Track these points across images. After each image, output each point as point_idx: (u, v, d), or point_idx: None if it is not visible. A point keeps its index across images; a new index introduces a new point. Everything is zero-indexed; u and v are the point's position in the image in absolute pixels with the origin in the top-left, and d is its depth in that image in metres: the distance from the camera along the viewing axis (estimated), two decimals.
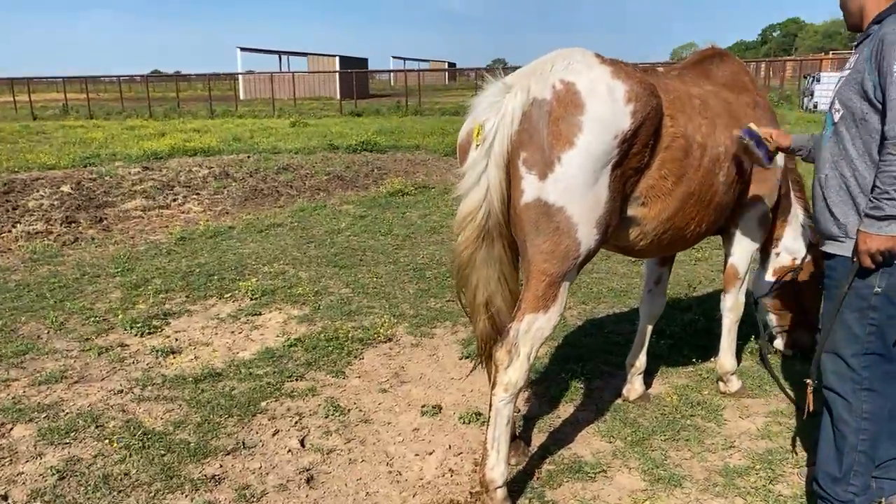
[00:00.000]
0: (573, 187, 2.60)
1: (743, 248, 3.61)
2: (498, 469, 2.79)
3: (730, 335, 3.79)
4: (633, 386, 3.83)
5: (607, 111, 2.63)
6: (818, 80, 21.82)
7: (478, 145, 2.69)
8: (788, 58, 48.07)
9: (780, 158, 3.47)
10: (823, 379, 2.70)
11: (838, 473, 2.67)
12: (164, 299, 5.44)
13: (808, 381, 2.76)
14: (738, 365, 4.00)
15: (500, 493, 2.81)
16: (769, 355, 4.13)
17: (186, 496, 2.98)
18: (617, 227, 2.89)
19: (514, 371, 2.71)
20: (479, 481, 2.85)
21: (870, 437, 2.61)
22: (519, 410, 3.67)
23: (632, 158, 2.74)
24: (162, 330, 4.84)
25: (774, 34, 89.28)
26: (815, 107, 21.21)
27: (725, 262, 3.71)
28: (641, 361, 3.81)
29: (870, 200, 2.41)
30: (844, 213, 2.55)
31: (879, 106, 2.42)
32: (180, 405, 3.76)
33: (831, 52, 42.77)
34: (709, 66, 3.55)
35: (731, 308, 3.74)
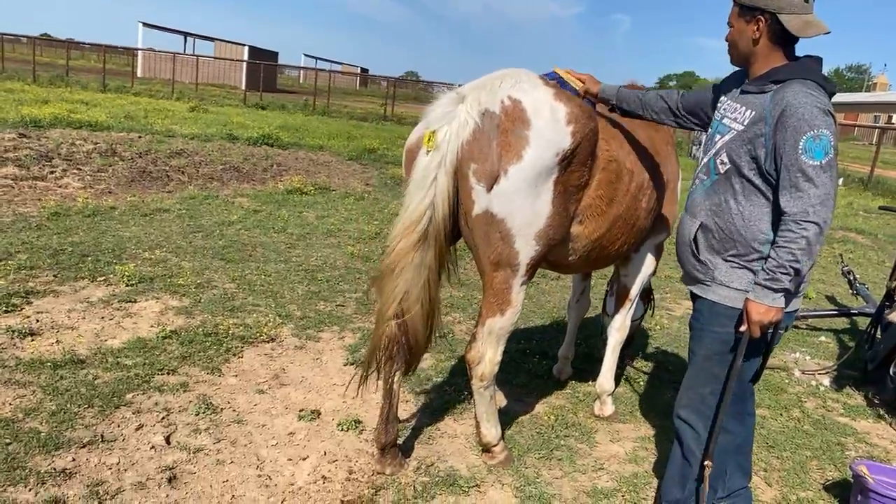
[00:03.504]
0: (516, 199, 2.74)
1: (638, 271, 3.77)
2: (490, 433, 3.25)
3: (613, 355, 3.93)
4: (564, 369, 4.43)
5: (550, 130, 2.76)
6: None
7: (429, 151, 2.77)
8: None
9: (678, 191, 3.67)
10: (677, 410, 2.80)
11: (680, 496, 2.82)
12: (28, 276, 5.02)
13: (707, 462, 2.68)
14: (616, 387, 4.15)
15: (499, 448, 3.31)
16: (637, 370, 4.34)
17: (30, 490, 2.73)
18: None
19: (483, 366, 3.06)
20: (478, 443, 3.34)
21: (714, 468, 2.72)
22: (400, 421, 3.63)
23: (571, 175, 2.87)
24: (22, 309, 4.45)
25: (671, 83, 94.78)
26: None
27: (619, 282, 3.85)
28: (571, 352, 4.41)
29: (765, 272, 2.38)
30: (713, 261, 2.62)
31: (768, 175, 2.42)
32: (34, 391, 3.45)
33: None
34: None
35: (619, 328, 3.89)
